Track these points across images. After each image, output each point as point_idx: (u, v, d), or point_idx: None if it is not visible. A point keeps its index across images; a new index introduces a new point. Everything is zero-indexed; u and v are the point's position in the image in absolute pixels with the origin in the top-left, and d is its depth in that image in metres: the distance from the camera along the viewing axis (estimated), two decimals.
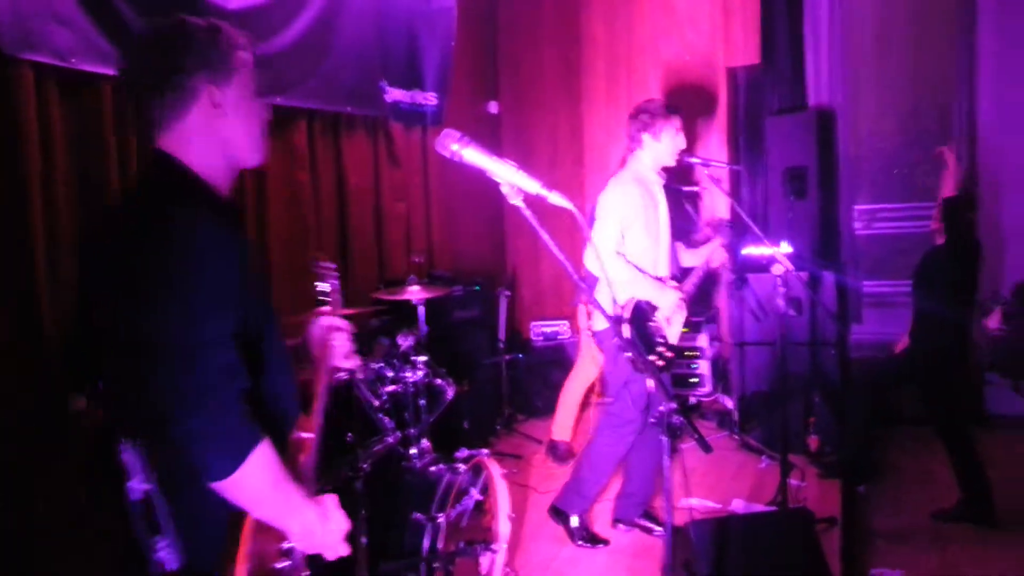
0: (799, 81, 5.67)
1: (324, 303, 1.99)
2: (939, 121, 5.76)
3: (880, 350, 5.03)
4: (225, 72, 1.47)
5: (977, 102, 5.34)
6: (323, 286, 2.02)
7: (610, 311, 3.32)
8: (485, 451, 3.14)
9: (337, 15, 4.24)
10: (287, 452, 1.51)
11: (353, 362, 1.85)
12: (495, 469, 3.13)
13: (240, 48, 1.50)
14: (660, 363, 3.43)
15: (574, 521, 3.65)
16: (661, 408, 2.31)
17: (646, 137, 3.47)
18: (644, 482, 3.67)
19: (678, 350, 3.57)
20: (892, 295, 5.61)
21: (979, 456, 3.85)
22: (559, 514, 3.71)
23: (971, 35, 5.33)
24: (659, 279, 3.51)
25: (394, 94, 4.83)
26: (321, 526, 1.44)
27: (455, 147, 1.73)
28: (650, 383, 3.37)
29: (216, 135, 1.47)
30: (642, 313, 3.41)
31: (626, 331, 3.31)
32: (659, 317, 3.46)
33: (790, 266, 3.82)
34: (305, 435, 1.58)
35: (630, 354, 3.19)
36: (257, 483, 1.33)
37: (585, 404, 5.06)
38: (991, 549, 3.57)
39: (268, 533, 1.41)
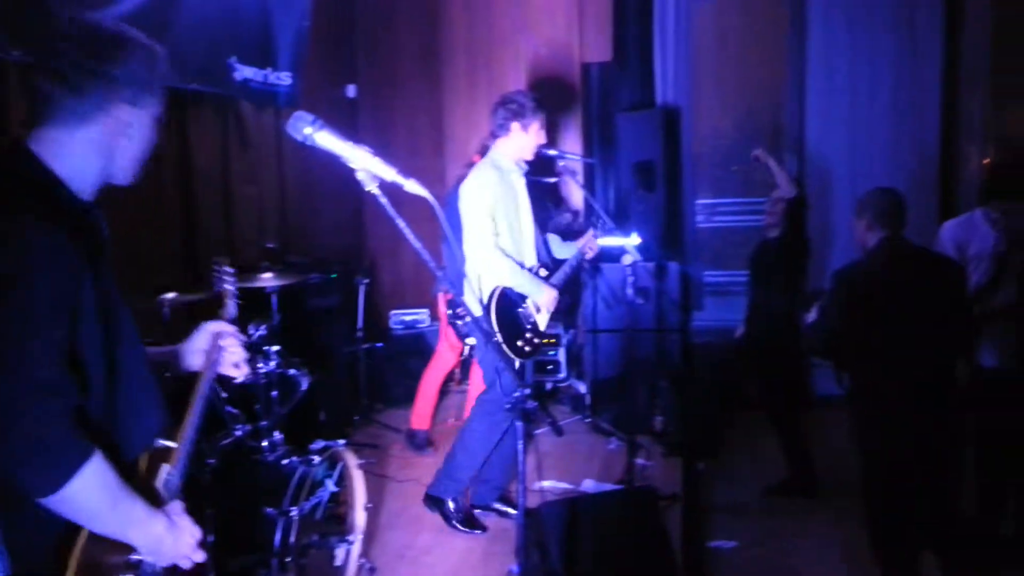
0: (648, 80, 5.94)
1: (220, 308, 1.94)
2: (772, 123, 6.21)
3: (719, 335, 5.38)
4: (146, 96, 1.44)
5: (806, 106, 5.79)
6: (222, 289, 1.97)
7: (476, 302, 3.35)
8: (341, 442, 3.09)
9: None
10: (149, 463, 1.48)
11: (243, 371, 1.80)
12: (351, 460, 3.09)
13: (163, 77, 1.47)
14: (528, 349, 3.50)
15: (450, 504, 3.66)
16: (516, 394, 2.36)
17: (515, 126, 3.50)
18: (500, 467, 3.74)
19: (546, 336, 3.64)
20: (730, 284, 6.01)
21: (804, 434, 4.21)
22: (434, 501, 3.70)
23: (801, 44, 5.77)
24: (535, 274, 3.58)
25: (245, 72, 4.61)
26: (170, 537, 1.40)
27: (308, 131, 1.69)
28: (517, 367, 3.48)
29: (106, 152, 1.43)
30: (510, 300, 3.45)
31: (492, 321, 3.36)
32: (529, 303, 3.52)
33: (639, 256, 4.00)
34: (170, 444, 1.53)
35: (498, 339, 3.27)
36: (88, 499, 1.27)
37: (444, 392, 5.08)
38: (814, 517, 3.92)
39: (110, 545, 1.35)
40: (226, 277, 2.01)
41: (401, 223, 1.80)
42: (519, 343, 3.46)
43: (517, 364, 3.51)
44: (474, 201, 3.41)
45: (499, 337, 3.34)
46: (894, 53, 5.56)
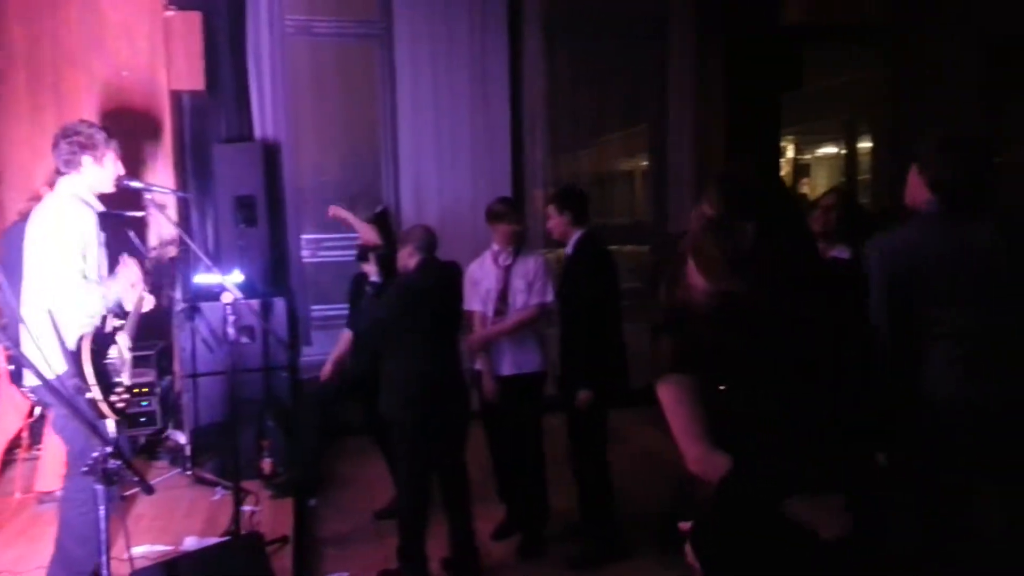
0: (245, 112, 5.82)
1: None
2: (371, 159, 6.51)
3: None
4: None
5: (399, 145, 6.19)
6: None
7: (57, 350, 2.88)
8: None
9: None
10: None
11: None
12: None
13: None
14: (121, 405, 3.10)
15: None
16: (95, 454, 2.15)
17: (87, 159, 3.14)
18: (83, 549, 3.24)
19: (137, 386, 3.27)
20: (337, 317, 6.09)
21: None
22: None
23: (392, 89, 6.17)
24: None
25: None
26: None
27: None
28: (112, 428, 3.06)
29: None
30: (96, 350, 3.03)
31: (88, 372, 2.91)
32: (113, 353, 3.13)
33: (240, 294, 3.88)
34: None
35: (94, 395, 2.84)
36: None
37: (8, 461, 4.35)
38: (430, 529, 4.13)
39: None
40: None
41: None
42: (113, 398, 3.07)
43: (112, 425, 3.09)
44: (65, 235, 3.00)
45: (96, 392, 2.91)
46: (471, 107, 6.23)
